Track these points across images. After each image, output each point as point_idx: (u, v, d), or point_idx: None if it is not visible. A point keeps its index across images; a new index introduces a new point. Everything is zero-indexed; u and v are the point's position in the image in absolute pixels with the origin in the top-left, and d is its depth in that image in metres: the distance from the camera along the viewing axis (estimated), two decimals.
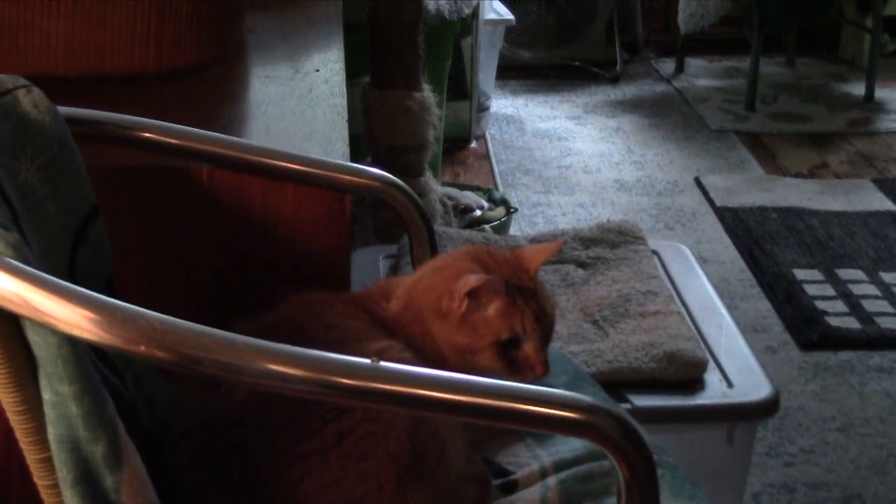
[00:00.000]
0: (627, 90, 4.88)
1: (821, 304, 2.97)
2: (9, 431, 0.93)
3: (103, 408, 0.91)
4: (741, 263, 3.25)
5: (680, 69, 5.11)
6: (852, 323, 2.89)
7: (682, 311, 1.92)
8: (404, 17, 2.57)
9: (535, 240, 2.12)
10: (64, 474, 0.91)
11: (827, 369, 2.73)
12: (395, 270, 2.05)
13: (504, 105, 4.64)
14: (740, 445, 1.75)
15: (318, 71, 1.88)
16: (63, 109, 1.19)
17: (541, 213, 3.58)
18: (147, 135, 1.36)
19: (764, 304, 3.01)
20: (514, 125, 4.43)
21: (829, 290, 3.05)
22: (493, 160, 4.03)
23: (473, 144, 4.14)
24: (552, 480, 1.24)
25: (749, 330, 2.81)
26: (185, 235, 1.48)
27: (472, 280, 1.21)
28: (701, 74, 5.09)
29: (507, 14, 4.23)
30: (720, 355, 1.83)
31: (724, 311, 1.97)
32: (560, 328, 1.83)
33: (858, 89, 4.76)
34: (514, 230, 3.28)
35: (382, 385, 0.92)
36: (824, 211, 3.58)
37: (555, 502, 1.22)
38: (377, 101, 2.62)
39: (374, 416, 1.08)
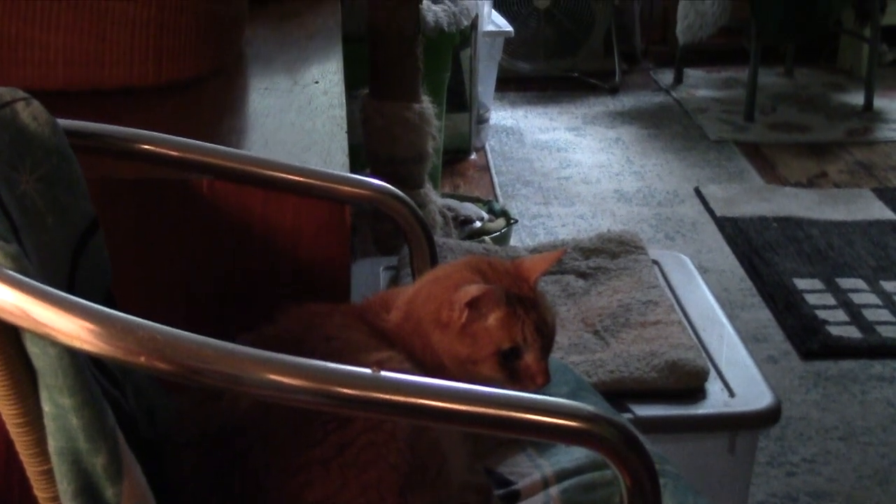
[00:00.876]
0: (626, 101, 4.89)
1: (821, 314, 2.97)
2: (9, 444, 0.92)
3: (104, 419, 0.91)
4: (741, 273, 3.25)
5: (679, 80, 5.12)
6: (853, 332, 2.89)
7: (683, 320, 1.92)
8: (403, 28, 2.58)
9: (535, 250, 2.12)
10: (64, 486, 0.90)
11: (828, 378, 2.72)
12: (395, 281, 2.05)
13: (503, 116, 4.64)
14: (742, 455, 1.75)
15: (317, 83, 1.89)
16: (62, 122, 1.19)
17: (541, 224, 3.58)
18: (146, 147, 1.36)
19: (764, 314, 3.01)
20: (513, 136, 4.43)
21: (829, 300, 3.05)
22: (493, 171, 4.03)
23: (473, 156, 4.14)
24: (554, 490, 1.24)
25: (750, 339, 2.81)
26: (184, 247, 1.48)
27: (473, 290, 1.20)
28: (700, 85, 5.09)
29: (505, 26, 4.23)
30: (721, 365, 1.83)
31: (724, 320, 1.97)
32: (561, 338, 1.83)
33: (857, 99, 4.76)
34: (514, 241, 3.28)
35: (383, 395, 0.92)
36: (824, 220, 3.58)
37: None
38: (376, 113, 2.62)
39: (375, 427, 1.08)
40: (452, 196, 3.37)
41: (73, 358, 0.88)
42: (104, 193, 1.28)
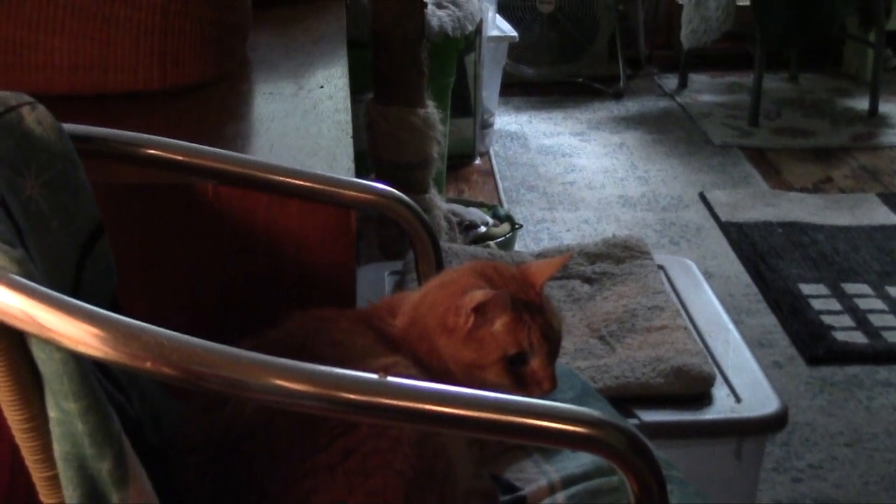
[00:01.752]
0: (631, 106, 4.89)
1: (827, 319, 2.96)
2: (14, 449, 0.92)
3: (109, 425, 0.91)
4: (746, 278, 3.24)
5: (683, 85, 5.11)
6: (859, 337, 2.88)
7: (689, 325, 1.91)
8: (408, 33, 2.57)
9: (540, 255, 2.12)
10: (70, 492, 0.90)
11: (834, 384, 2.72)
12: (400, 286, 2.04)
13: (508, 121, 4.64)
14: (749, 460, 1.74)
15: (322, 87, 1.88)
16: (68, 126, 1.19)
17: (545, 230, 3.58)
18: (151, 151, 1.36)
19: (770, 319, 3.01)
20: (517, 141, 4.43)
21: (835, 305, 3.04)
22: (498, 176, 4.03)
23: (477, 161, 4.14)
24: (561, 496, 1.23)
25: (755, 345, 2.80)
26: (189, 252, 1.48)
27: (479, 296, 1.20)
28: (704, 90, 5.09)
29: (510, 31, 4.23)
30: (727, 370, 1.82)
31: (730, 325, 1.97)
32: (566, 344, 1.82)
33: (862, 104, 4.76)
34: (518, 246, 3.27)
35: (389, 400, 0.91)
36: (829, 225, 3.57)
37: None
38: (381, 118, 2.62)
39: (380, 433, 1.07)
40: (457, 201, 3.37)
41: (79, 363, 0.88)
42: (109, 198, 1.28)
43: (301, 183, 1.41)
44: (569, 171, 4.11)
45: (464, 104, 3.92)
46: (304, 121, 1.72)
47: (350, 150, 1.60)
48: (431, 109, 2.65)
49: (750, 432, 1.73)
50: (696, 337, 1.89)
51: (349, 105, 1.80)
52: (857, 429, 2.54)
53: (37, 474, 0.92)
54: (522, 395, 1.12)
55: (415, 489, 1.08)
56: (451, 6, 3.44)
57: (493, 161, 4.18)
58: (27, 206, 1.07)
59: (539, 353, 1.22)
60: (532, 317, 1.23)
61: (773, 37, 4.49)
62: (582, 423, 0.94)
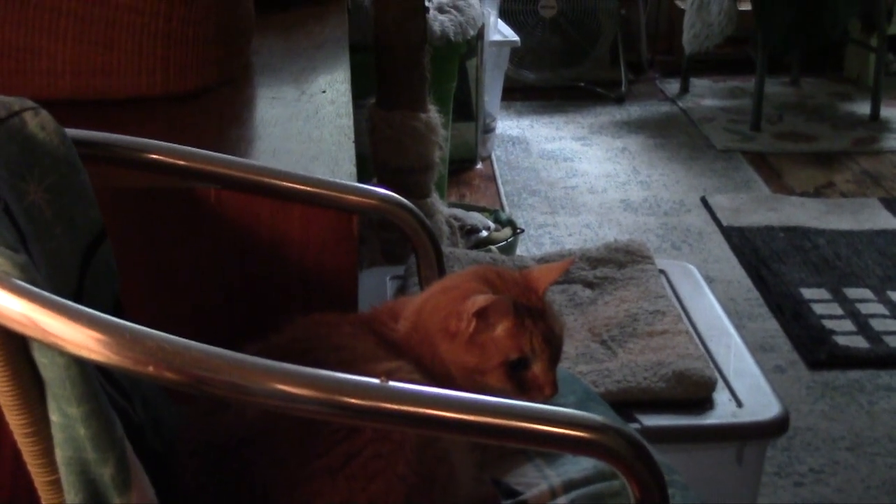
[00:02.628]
0: (633, 111, 4.89)
1: (829, 324, 2.96)
2: (16, 454, 0.92)
3: (111, 429, 0.91)
4: (748, 283, 3.24)
5: (685, 89, 5.11)
6: (860, 342, 2.88)
7: (691, 330, 1.92)
8: (410, 38, 2.58)
9: (542, 260, 2.12)
10: (72, 496, 0.90)
11: (835, 388, 2.72)
12: (402, 291, 2.04)
13: (510, 126, 4.64)
14: (750, 465, 1.74)
15: (324, 92, 1.89)
16: (70, 131, 1.19)
17: (547, 234, 3.58)
18: (154, 156, 1.36)
19: (771, 324, 3.01)
20: (519, 146, 4.43)
21: (836, 310, 3.04)
22: (499, 181, 4.03)
23: (479, 165, 4.14)
24: (562, 501, 1.23)
25: (757, 349, 2.80)
26: (192, 257, 1.48)
27: (481, 300, 1.20)
28: (706, 94, 5.09)
29: (512, 35, 4.23)
30: (729, 375, 1.82)
31: (732, 330, 1.97)
32: (568, 348, 1.82)
33: (864, 108, 4.76)
34: (520, 251, 3.28)
35: (392, 405, 0.91)
36: (831, 230, 3.57)
37: None
38: (383, 122, 2.62)
39: (382, 437, 1.08)
40: (459, 205, 3.37)
41: (81, 368, 0.88)
42: (112, 203, 1.28)
43: (303, 187, 1.41)
44: (570, 176, 4.11)
45: (466, 109, 3.92)
46: (306, 125, 1.73)
47: (352, 155, 1.61)
48: (433, 114, 2.65)
49: (751, 437, 1.73)
50: (698, 341, 1.89)
51: (351, 109, 1.80)
52: (858, 433, 2.54)
53: (38, 478, 0.92)
54: (524, 400, 1.12)
55: (416, 494, 1.08)
56: (453, 11, 3.44)
57: (495, 165, 4.19)
58: (30, 210, 1.07)
59: (541, 358, 1.22)
60: (534, 322, 1.23)
61: (774, 41, 4.49)
62: (583, 428, 0.94)
